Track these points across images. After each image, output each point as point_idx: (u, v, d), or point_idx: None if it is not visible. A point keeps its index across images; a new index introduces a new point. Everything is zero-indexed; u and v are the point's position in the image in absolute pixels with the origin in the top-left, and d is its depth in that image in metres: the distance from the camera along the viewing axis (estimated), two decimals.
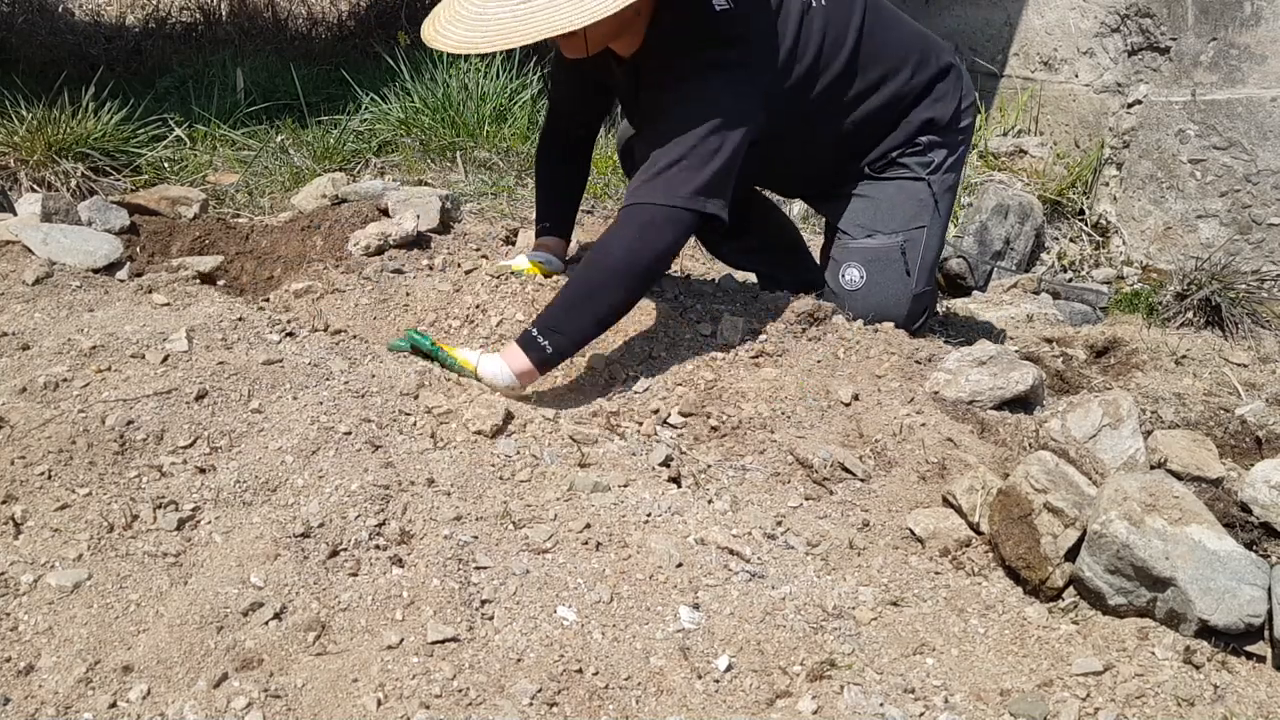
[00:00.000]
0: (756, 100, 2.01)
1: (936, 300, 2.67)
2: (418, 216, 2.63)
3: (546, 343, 1.85)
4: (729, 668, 1.29)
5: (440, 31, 1.88)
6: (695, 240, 3.36)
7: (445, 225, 2.77)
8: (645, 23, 2.01)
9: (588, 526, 1.50)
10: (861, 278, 2.29)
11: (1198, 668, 1.31)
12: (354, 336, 2.11)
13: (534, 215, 2.56)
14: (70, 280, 2.21)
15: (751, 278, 2.69)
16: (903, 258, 2.29)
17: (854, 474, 1.72)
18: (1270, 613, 1.34)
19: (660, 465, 1.68)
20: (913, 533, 1.61)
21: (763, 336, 2.09)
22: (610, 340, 2.05)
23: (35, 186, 3.08)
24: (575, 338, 1.90)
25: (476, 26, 1.83)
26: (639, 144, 2.05)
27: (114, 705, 1.20)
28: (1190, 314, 3.22)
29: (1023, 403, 2.05)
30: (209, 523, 1.48)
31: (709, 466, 1.73)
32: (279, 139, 3.78)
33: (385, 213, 2.75)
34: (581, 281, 1.92)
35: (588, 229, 3.20)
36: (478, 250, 2.58)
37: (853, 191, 2.34)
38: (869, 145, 2.31)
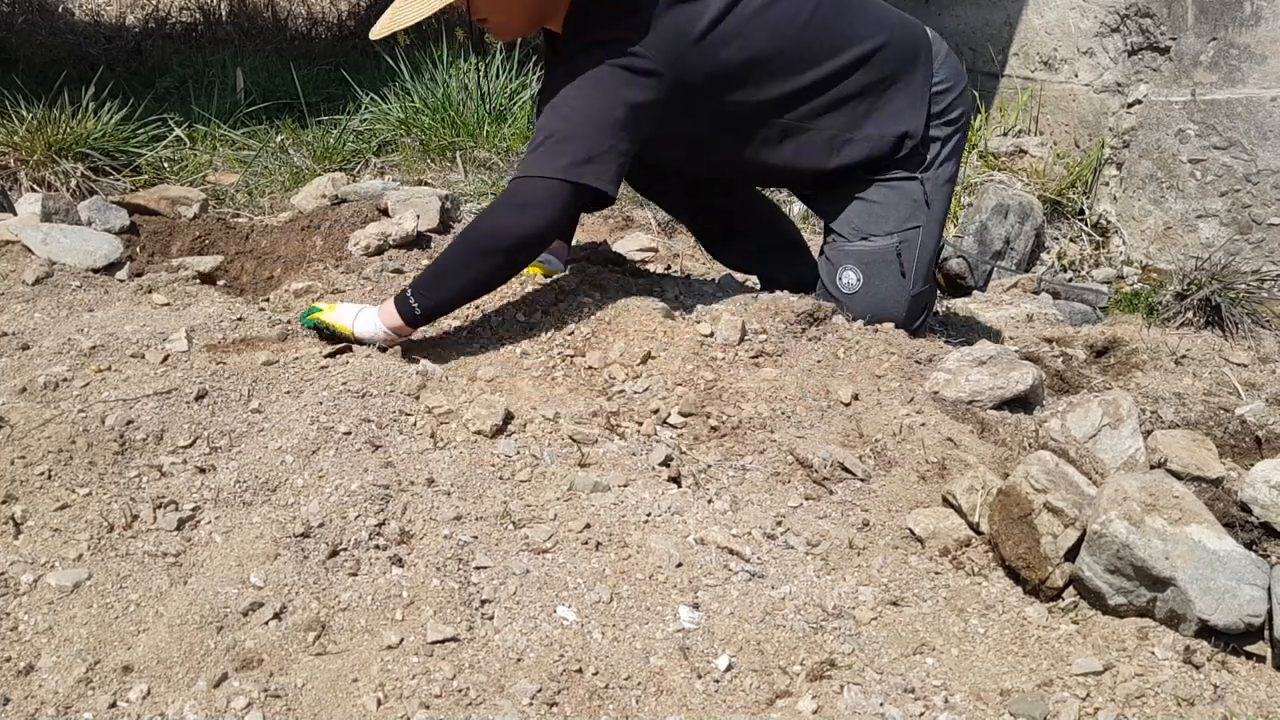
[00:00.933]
0: (653, 85, 2.00)
1: (935, 299, 2.66)
2: (418, 216, 2.63)
3: (416, 305, 1.94)
4: (729, 668, 1.29)
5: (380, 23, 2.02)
6: (696, 242, 3.37)
7: (445, 225, 2.77)
8: (568, 4, 2.06)
9: (588, 526, 1.50)
10: (858, 280, 2.29)
11: (1198, 668, 1.31)
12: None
13: None
14: (70, 280, 2.21)
15: (752, 278, 2.69)
16: (898, 259, 2.28)
17: (854, 474, 1.72)
18: (1270, 613, 1.34)
19: (660, 465, 1.68)
20: (913, 533, 1.61)
21: (763, 336, 2.09)
22: (610, 340, 2.05)
23: (35, 186, 3.09)
24: (444, 306, 2.01)
25: (389, 14, 1.99)
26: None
27: (114, 705, 1.20)
28: (1190, 314, 3.22)
29: (1023, 403, 2.05)
30: (209, 523, 1.48)
31: (709, 466, 1.73)
32: (279, 139, 3.78)
33: (385, 213, 2.75)
34: (460, 253, 1.98)
35: (588, 229, 3.20)
36: None
37: (847, 192, 2.33)
38: (843, 135, 2.25)
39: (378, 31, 1.99)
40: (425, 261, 2.42)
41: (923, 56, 2.29)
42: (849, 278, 2.29)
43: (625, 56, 1.97)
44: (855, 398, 1.91)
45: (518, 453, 1.65)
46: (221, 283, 2.53)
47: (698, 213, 2.64)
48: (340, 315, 1.97)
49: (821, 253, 2.40)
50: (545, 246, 2.04)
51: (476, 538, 1.47)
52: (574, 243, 2.54)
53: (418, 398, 1.75)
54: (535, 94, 3.99)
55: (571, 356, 2.03)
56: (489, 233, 1.97)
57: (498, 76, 4.01)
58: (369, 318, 1.96)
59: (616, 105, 1.97)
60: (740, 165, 2.31)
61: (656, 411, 1.86)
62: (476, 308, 2.17)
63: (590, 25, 2.02)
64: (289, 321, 2.09)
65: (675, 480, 1.67)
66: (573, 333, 2.08)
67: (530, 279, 2.25)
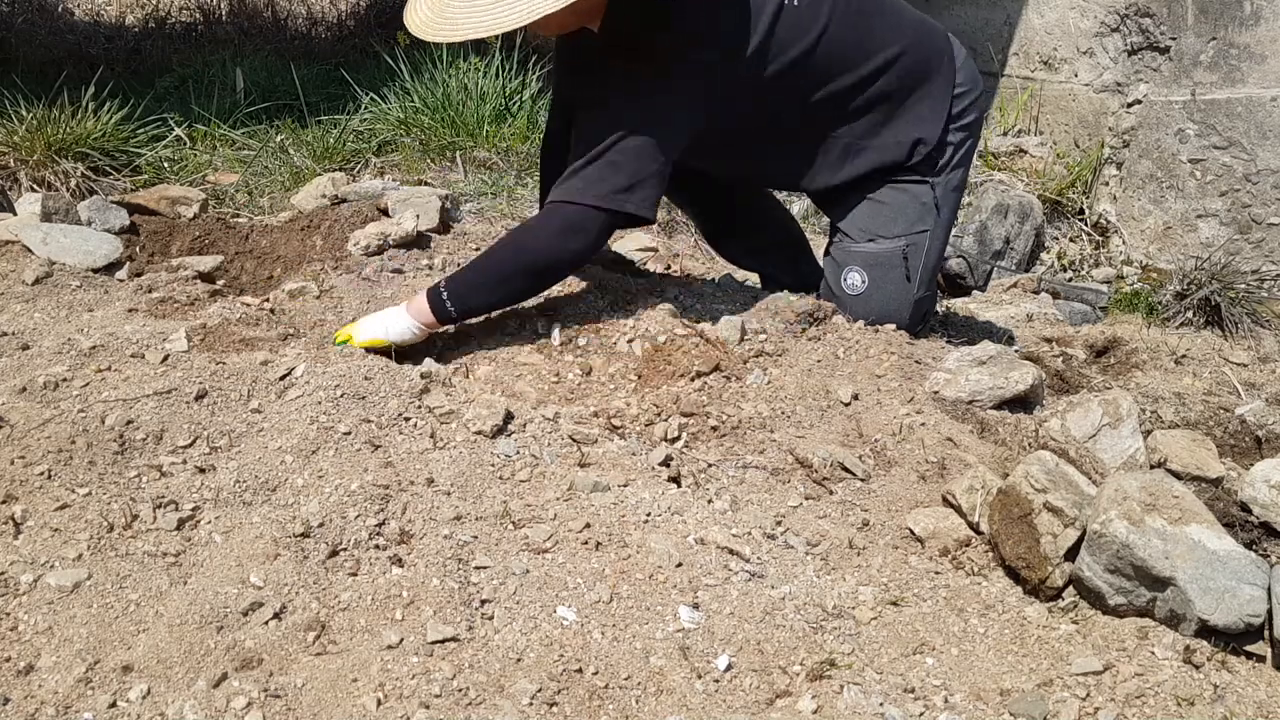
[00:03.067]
0: (698, 92, 1.98)
1: (937, 303, 2.66)
2: (417, 216, 2.62)
3: (452, 307, 1.96)
4: (729, 667, 1.29)
5: (416, 18, 1.92)
6: (697, 238, 3.37)
7: (445, 225, 2.76)
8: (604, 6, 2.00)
9: (587, 526, 1.50)
10: (863, 282, 2.28)
11: (1197, 667, 1.31)
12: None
13: (535, 213, 2.54)
14: (70, 280, 2.21)
15: (752, 278, 2.69)
16: (904, 263, 2.28)
17: (854, 474, 1.72)
18: (1270, 612, 1.33)
19: (660, 465, 1.68)
20: (912, 532, 1.61)
21: (763, 336, 2.09)
22: (610, 340, 2.05)
23: (35, 186, 3.09)
24: (475, 311, 2.03)
25: (440, 16, 1.88)
26: (572, 130, 2.07)
27: (114, 705, 1.20)
28: (1190, 314, 3.22)
29: (1023, 402, 2.05)
30: (209, 523, 1.48)
31: (709, 466, 1.73)
32: (279, 139, 3.78)
33: (385, 213, 2.75)
34: (497, 265, 2.01)
35: None
36: (477, 250, 2.58)
37: (857, 193, 2.33)
38: (854, 153, 2.24)
39: (425, 32, 1.89)
40: (425, 261, 2.42)
41: (945, 61, 2.26)
42: (854, 279, 2.29)
43: (684, 73, 1.96)
44: (855, 398, 1.91)
45: (518, 453, 1.65)
46: (221, 283, 2.53)
47: (705, 205, 2.63)
48: (369, 331, 1.96)
49: (827, 253, 2.40)
50: (578, 268, 2.12)
51: (476, 538, 1.47)
52: None
53: (418, 398, 1.75)
54: (536, 94, 3.98)
55: (572, 356, 2.03)
56: (535, 253, 1.99)
57: (497, 76, 4.01)
58: (399, 321, 1.96)
59: (665, 122, 1.96)
60: (754, 169, 2.32)
61: (656, 411, 1.86)
62: None
63: (635, 27, 1.97)
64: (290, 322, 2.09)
65: (675, 480, 1.67)
66: (573, 333, 2.08)
67: None
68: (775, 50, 2.05)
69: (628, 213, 1.97)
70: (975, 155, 4.18)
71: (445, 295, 1.96)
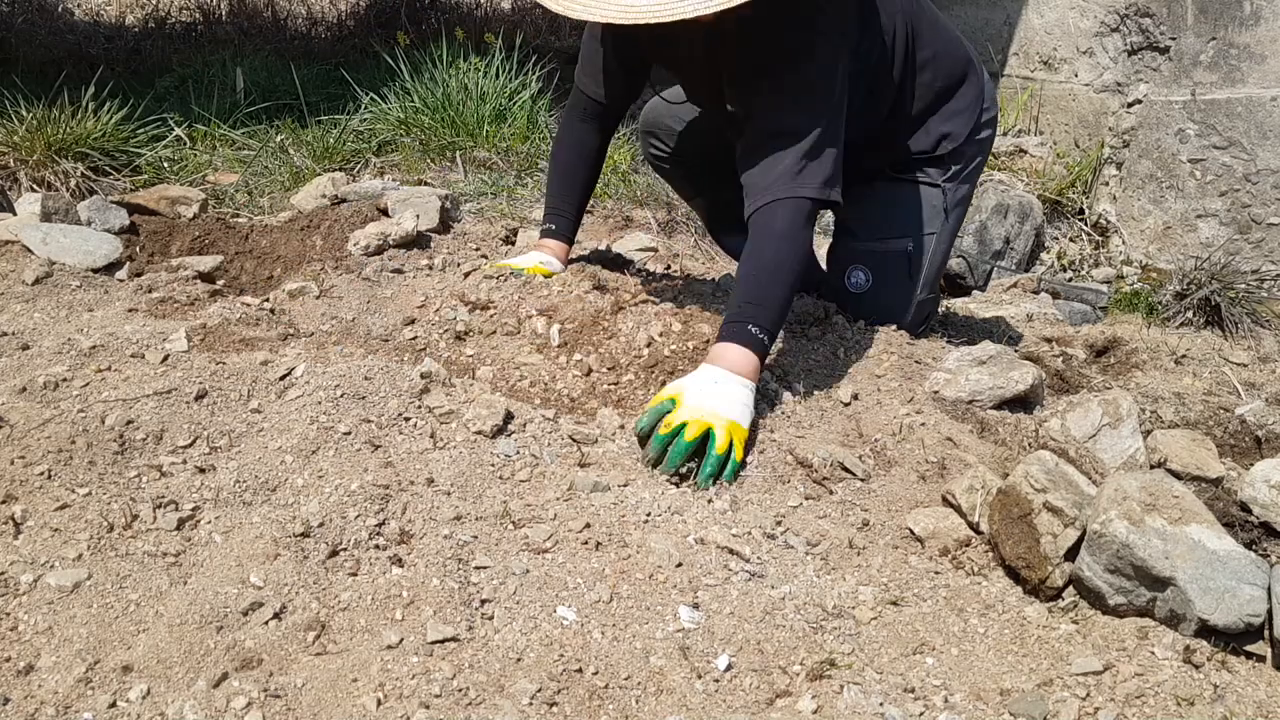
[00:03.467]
0: (845, 74, 1.98)
1: (938, 307, 2.67)
2: (417, 216, 2.63)
3: (766, 339, 1.84)
4: (729, 667, 1.29)
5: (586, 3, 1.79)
6: (698, 235, 3.37)
7: (445, 225, 2.77)
8: None
9: (587, 526, 1.50)
10: (867, 280, 2.29)
11: (1197, 667, 1.31)
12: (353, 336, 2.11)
13: (536, 214, 2.54)
14: (70, 280, 2.21)
15: None
16: (908, 264, 2.28)
17: (854, 474, 1.72)
18: (1270, 612, 1.34)
19: None
20: (912, 532, 1.61)
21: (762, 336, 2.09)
22: (609, 340, 2.05)
23: (35, 186, 3.09)
24: (777, 332, 1.90)
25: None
26: (747, 121, 2.00)
27: (114, 705, 1.20)
28: (1190, 314, 3.22)
29: (1022, 402, 2.05)
30: (209, 522, 1.48)
31: None
32: (279, 139, 3.78)
33: (385, 213, 2.75)
34: (785, 277, 1.88)
35: (588, 229, 3.20)
36: (477, 250, 2.58)
37: (867, 191, 2.33)
38: (889, 141, 2.28)
39: (620, 16, 1.75)
40: (425, 262, 2.42)
41: (977, 71, 2.34)
42: (858, 277, 2.30)
43: (839, 52, 1.95)
44: (855, 397, 1.91)
45: (518, 453, 1.65)
46: (221, 283, 2.53)
47: (716, 196, 2.64)
48: (718, 413, 1.70)
49: (832, 250, 2.40)
50: None
51: (476, 538, 1.47)
52: (574, 243, 2.54)
53: (418, 398, 1.75)
54: (535, 94, 3.98)
55: (571, 357, 2.03)
56: (795, 250, 1.90)
57: (498, 76, 4.01)
58: (736, 392, 1.75)
59: (842, 108, 1.95)
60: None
61: None
62: (476, 308, 2.17)
63: (797, 7, 1.94)
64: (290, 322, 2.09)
65: (675, 480, 1.67)
66: (573, 333, 2.08)
67: (530, 279, 2.25)
68: (868, 39, 2.10)
69: (834, 201, 1.93)
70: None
71: (763, 336, 1.83)
